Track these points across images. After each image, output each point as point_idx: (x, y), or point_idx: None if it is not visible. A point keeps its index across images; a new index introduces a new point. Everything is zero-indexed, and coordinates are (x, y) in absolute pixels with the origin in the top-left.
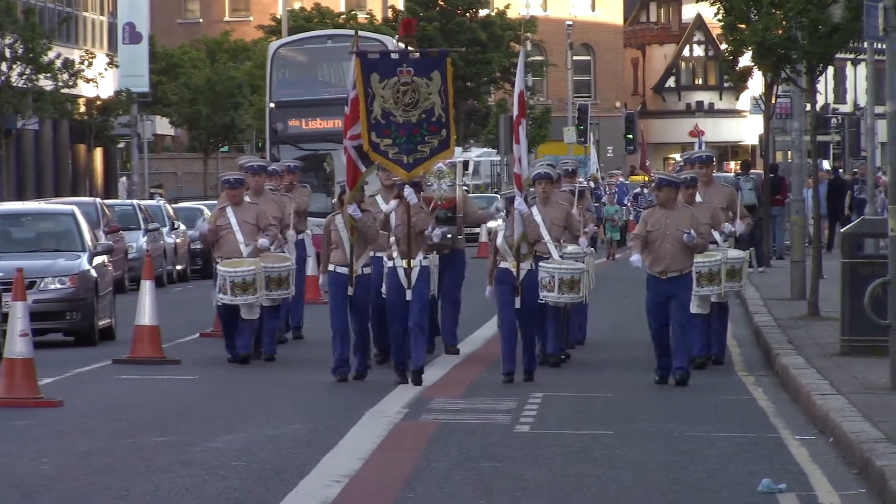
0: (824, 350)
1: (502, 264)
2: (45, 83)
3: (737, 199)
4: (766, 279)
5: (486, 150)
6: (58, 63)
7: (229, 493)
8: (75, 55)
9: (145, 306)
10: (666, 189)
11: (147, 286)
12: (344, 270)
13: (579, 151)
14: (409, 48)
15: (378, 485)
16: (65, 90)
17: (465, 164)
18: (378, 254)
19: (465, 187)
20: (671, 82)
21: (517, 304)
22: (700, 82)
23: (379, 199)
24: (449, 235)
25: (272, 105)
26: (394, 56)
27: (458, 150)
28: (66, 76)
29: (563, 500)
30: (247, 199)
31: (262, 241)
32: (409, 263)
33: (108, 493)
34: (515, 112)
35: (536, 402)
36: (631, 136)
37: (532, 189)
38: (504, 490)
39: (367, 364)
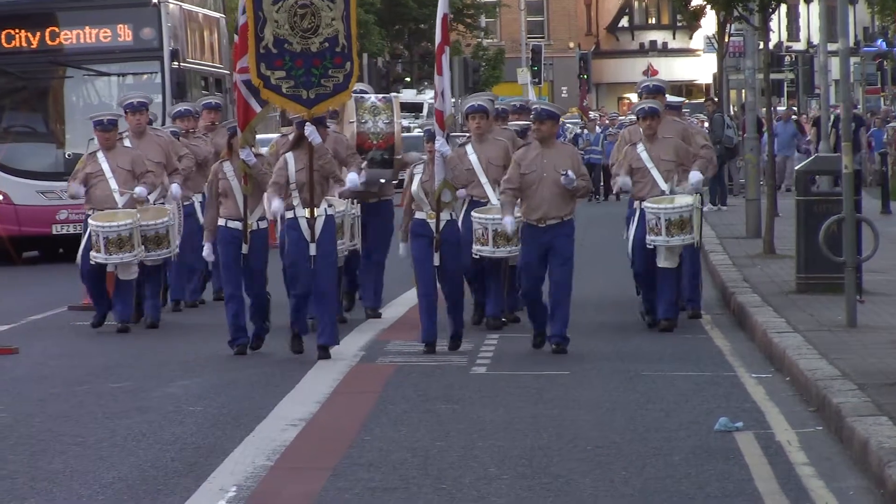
0: (780, 288)
1: (418, 215)
2: None
3: (691, 134)
4: (722, 217)
5: None
6: None
7: (186, 437)
8: None
9: None
10: (548, 122)
11: None
12: (236, 225)
13: (515, 91)
14: None
15: (335, 428)
16: None
17: (420, 107)
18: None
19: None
20: (624, 22)
21: (436, 262)
22: (653, 21)
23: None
24: (382, 181)
25: None
26: None
27: (412, 92)
28: None
29: (520, 440)
30: (127, 143)
31: (140, 190)
32: (312, 213)
33: (65, 440)
34: (438, 39)
35: (493, 343)
36: (585, 77)
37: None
38: (461, 431)
39: (264, 330)
